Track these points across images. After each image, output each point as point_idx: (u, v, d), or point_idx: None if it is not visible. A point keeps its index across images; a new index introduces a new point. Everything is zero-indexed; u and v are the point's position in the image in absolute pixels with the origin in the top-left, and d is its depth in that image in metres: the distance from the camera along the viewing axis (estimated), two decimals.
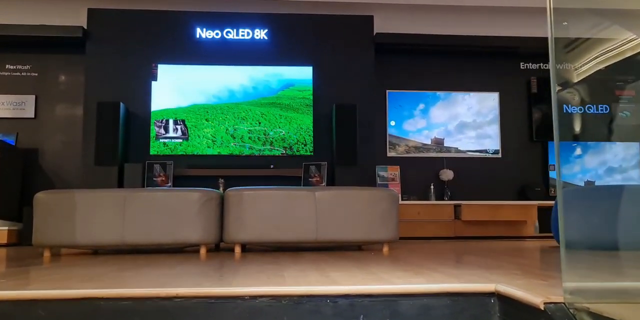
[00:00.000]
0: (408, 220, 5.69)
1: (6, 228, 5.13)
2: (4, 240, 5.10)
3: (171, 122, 5.86)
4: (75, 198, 3.24)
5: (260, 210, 3.31)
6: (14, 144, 5.78)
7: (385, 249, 3.40)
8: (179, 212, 3.27)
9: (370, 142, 5.99)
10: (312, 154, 5.89)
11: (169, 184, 5.49)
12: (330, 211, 3.33)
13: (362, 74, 6.09)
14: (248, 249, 3.32)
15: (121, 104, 5.58)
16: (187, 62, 5.97)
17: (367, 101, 6.04)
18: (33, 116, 6.09)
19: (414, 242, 4.86)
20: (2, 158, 5.28)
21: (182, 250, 3.28)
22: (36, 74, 6.19)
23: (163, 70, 5.92)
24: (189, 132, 5.85)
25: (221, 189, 5.58)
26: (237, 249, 3.32)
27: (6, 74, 6.16)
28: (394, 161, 6.23)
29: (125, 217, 3.24)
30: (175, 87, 5.90)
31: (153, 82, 5.89)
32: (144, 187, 5.43)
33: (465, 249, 3.68)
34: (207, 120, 5.89)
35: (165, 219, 3.26)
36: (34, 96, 6.12)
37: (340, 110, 5.66)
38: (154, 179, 5.51)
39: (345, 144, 5.59)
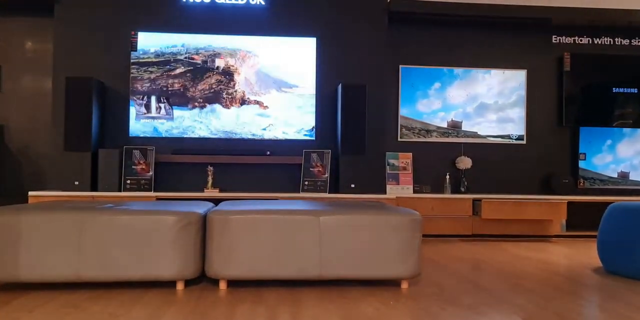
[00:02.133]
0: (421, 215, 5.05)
1: None
2: None
3: (153, 99, 5.12)
4: (18, 221, 2.58)
5: (251, 239, 2.65)
6: None
7: (404, 286, 2.76)
8: (150, 240, 2.61)
9: (379, 126, 5.29)
10: (313, 139, 5.19)
11: (150, 173, 4.82)
12: (337, 241, 2.68)
13: (373, 47, 5.31)
14: (236, 284, 2.69)
15: (94, 79, 4.82)
16: (171, 29, 5.17)
17: (378, 78, 5.29)
18: None
19: (430, 247, 4.25)
20: None
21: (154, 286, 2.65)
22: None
23: (143, 38, 5.12)
24: (174, 112, 5.12)
25: (210, 177, 4.93)
26: (222, 286, 2.69)
27: None
28: (405, 147, 5.54)
29: (82, 246, 2.58)
30: (157, 59, 5.12)
31: (132, 53, 5.11)
32: (121, 177, 4.76)
33: (498, 274, 3.07)
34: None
35: (132, 249, 2.60)
36: None
37: (347, 91, 4.91)
38: (133, 167, 4.83)
39: (352, 130, 4.88)
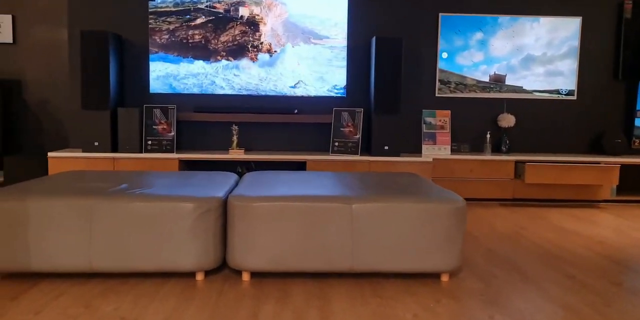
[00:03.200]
0: (459, 178, 4.76)
1: None
2: None
3: (173, 53, 4.78)
4: (25, 207, 2.37)
5: (276, 227, 2.40)
6: None
7: (445, 279, 2.51)
8: (166, 228, 2.39)
9: (416, 81, 4.88)
10: (344, 96, 4.82)
11: (172, 133, 4.57)
12: (371, 231, 2.41)
13: None
14: (260, 275, 2.47)
15: (110, 33, 4.49)
16: None
17: (415, 27, 4.83)
18: (11, 41, 5.06)
19: (468, 215, 3.97)
20: None
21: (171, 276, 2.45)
22: None
23: None
24: (195, 67, 4.79)
25: (234, 137, 4.66)
26: (245, 277, 2.48)
27: None
28: (443, 103, 5.14)
29: (93, 235, 2.38)
30: (177, 8, 4.74)
31: (150, 2, 4.73)
32: (142, 137, 4.52)
33: (546, 260, 2.79)
34: None
35: (146, 238, 2.39)
36: (10, 16, 5.04)
37: (381, 45, 4.48)
38: (154, 127, 4.58)
39: (386, 88, 4.49)
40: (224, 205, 2.51)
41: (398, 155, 4.56)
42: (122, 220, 2.39)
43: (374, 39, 4.54)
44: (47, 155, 4.75)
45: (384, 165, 4.50)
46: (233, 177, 3.23)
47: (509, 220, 4.06)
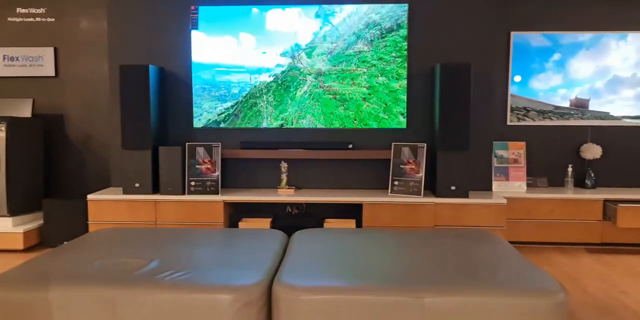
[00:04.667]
0: (537, 220, 4.20)
1: (21, 230, 4.13)
2: (20, 245, 4.13)
3: (220, 86, 4.44)
4: (42, 299, 2.03)
5: None
6: (30, 113, 4.61)
7: None
8: None
9: (484, 108, 4.34)
10: (405, 128, 4.34)
11: (216, 173, 4.21)
12: None
13: (479, 11, 4.28)
14: None
15: (152, 66, 4.19)
16: (237, 2, 4.38)
17: (482, 48, 4.29)
18: (54, 74, 4.86)
19: (549, 264, 3.41)
20: (16, 136, 4.16)
21: None
22: (53, 20, 4.85)
23: (205, 14, 4.39)
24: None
25: (284, 175, 4.26)
26: None
27: (18, 20, 4.87)
28: (516, 132, 4.58)
29: None
30: (221, 38, 4.39)
31: (193, 32, 4.40)
32: (184, 177, 4.19)
33: None
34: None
35: None
36: (52, 49, 4.84)
37: (446, 72, 3.98)
38: (197, 166, 4.23)
39: (453, 122, 3.98)
40: (268, 293, 2.09)
41: (466, 197, 4.03)
42: (150, 314, 2.00)
43: (438, 66, 4.04)
44: (89, 192, 4.50)
45: (451, 209, 3.98)
46: (280, 237, 2.83)
47: (601, 276, 3.47)
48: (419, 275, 2.12)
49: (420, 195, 4.10)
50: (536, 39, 4.52)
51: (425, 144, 4.16)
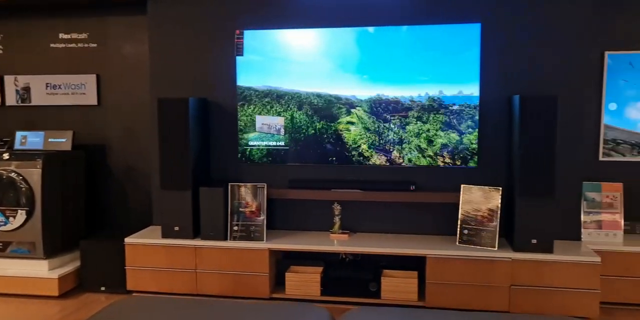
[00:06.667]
0: (637, 278, 3.52)
1: (56, 275, 3.86)
2: (55, 292, 3.86)
3: (266, 117, 4.01)
4: None
5: None
6: (70, 146, 4.34)
7: None
8: None
9: (571, 140, 3.68)
10: (475, 166, 3.75)
11: (262, 217, 3.78)
12: None
13: (567, 31, 3.63)
14: None
15: (194, 98, 3.82)
16: (286, 24, 3.94)
17: (569, 70, 3.64)
18: (96, 102, 4.60)
19: None
20: (53, 172, 3.90)
21: None
22: (95, 45, 4.59)
23: (251, 39, 3.96)
24: (289, 131, 3.98)
25: (337, 218, 3.80)
26: None
27: (60, 46, 4.64)
28: (609, 169, 3.89)
29: None
30: (269, 64, 3.96)
31: (238, 58, 3.99)
32: (227, 221, 3.78)
33: None
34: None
35: None
36: (94, 76, 4.58)
37: (528, 106, 3.36)
38: (241, 209, 3.82)
39: (536, 164, 3.37)
40: None
41: (551, 252, 3.40)
42: None
43: (517, 97, 3.43)
44: (131, 229, 4.20)
45: (532, 268, 3.38)
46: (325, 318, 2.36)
47: None
48: None
49: (495, 247, 3.51)
50: (636, 58, 3.81)
51: (501, 188, 3.56)
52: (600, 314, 3.37)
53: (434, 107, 3.71)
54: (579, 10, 3.59)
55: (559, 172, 3.46)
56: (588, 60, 3.69)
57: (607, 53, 3.84)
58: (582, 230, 3.74)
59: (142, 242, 3.85)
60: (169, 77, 4.12)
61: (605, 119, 3.90)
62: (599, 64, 3.85)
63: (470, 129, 3.68)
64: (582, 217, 3.74)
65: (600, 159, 3.92)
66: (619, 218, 3.74)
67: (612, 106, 3.89)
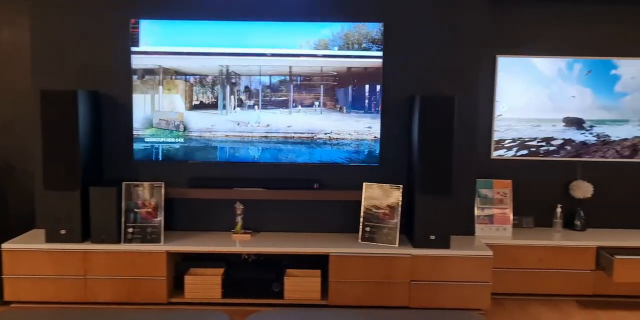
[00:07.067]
0: (524, 269, 3.75)
1: None
2: None
3: (164, 112, 3.80)
4: None
5: None
6: None
7: None
8: None
9: (467, 142, 3.83)
10: (377, 165, 3.80)
11: (159, 219, 3.59)
12: None
13: (464, 34, 3.77)
14: None
15: (82, 91, 3.53)
16: (183, 16, 3.75)
17: (463, 70, 3.79)
18: None
19: (533, 309, 2.92)
20: None
21: None
22: None
23: (147, 29, 3.74)
24: (188, 125, 3.81)
25: (239, 217, 3.69)
26: None
27: None
28: (501, 167, 4.10)
29: None
30: (165, 56, 3.75)
31: (133, 49, 3.75)
32: (120, 223, 3.55)
33: None
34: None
35: None
36: None
37: (428, 106, 3.45)
38: (136, 210, 3.60)
39: (435, 163, 3.47)
40: None
41: (448, 247, 3.52)
42: None
43: (418, 98, 3.50)
44: (13, 231, 3.81)
45: (430, 263, 3.48)
46: None
47: None
48: None
49: (395, 244, 3.57)
50: (524, 63, 4.04)
51: (402, 186, 3.63)
52: (491, 305, 3.53)
53: None
54: (474, 15, 3.73)
55: (456, 170, 3.57)
56: (483, 63, 3.85)
57: (498, 56, 4.03)
58: (476, 225, 3.91)
59: (23, 247, 3.52)
60: (54, 67, 3.79)
61: (498, 119, 4.09)
62: (489, 65, 4.03)
63: (372, 129, 3.71)
64: (476, 213, 3.91)
65: (492, 156, 4.11)
66: (509, 213, 3.95)
67: (503, 107, 4.09)
